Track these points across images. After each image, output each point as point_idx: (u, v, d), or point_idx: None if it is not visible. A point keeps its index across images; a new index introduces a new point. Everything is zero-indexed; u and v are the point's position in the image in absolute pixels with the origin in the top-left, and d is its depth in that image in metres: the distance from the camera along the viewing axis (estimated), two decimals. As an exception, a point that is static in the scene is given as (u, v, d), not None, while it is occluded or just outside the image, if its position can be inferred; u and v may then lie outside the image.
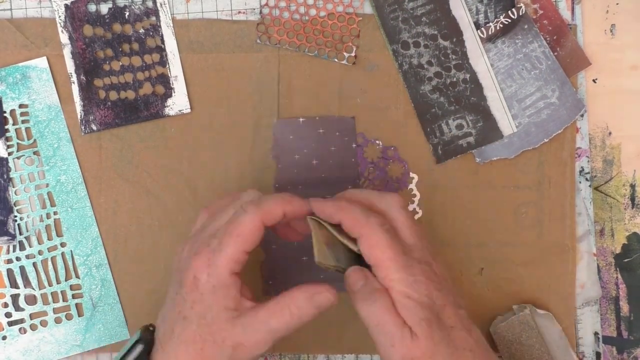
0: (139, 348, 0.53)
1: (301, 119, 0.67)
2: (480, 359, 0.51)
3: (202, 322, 0.51)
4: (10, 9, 0.67)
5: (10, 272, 0.67)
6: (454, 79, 0.67)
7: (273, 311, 0.52)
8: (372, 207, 0.55)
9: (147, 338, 0.54)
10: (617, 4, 0.68)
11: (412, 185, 0.68)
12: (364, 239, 0.52)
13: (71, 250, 0.67)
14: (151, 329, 0.55)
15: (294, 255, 0.67)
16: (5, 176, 0.66)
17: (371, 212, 0.54)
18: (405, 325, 0.50)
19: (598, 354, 0.68)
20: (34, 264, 0.67)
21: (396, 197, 0.56)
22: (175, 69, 0.67)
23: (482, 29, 0.67)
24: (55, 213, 0.67)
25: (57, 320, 0.67)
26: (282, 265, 0.67)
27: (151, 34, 0.67)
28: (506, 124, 0.67)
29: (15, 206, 0.66)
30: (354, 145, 0.67)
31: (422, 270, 0.52)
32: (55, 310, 0.67)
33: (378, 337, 0.51)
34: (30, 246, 0.67)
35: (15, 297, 0.67)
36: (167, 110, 0.67)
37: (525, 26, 0.67)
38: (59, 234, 0.67)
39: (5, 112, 0.66)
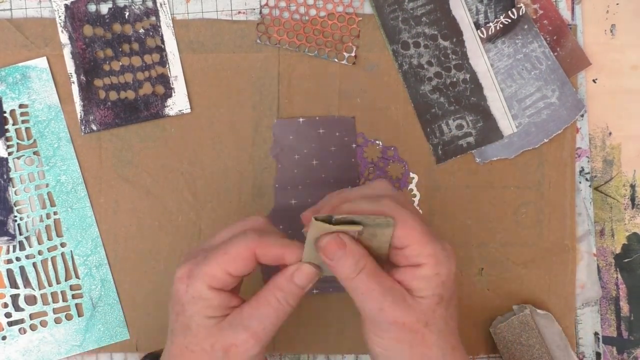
0: None
1: (301, 119, 0.67)
2: (460, 356, 0.51)
3: (188, 333, 0.49)
4: (10, 9, 0.67)
5: (10, 272, 0.66)
6: (454, 79, 0.67)
7: (258, 303, 0.50)
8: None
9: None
10: (617, 4, 0.68)
11: (412, 185, 0.68)
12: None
13: (71, 251, 0.67)
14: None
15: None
16: (5, 176, 0.66)
17: (382, 195, 0.51)
18: (393, 288, 0.49)
19: (598, 354, 0.68)
20: (34, 264, 0.67)
21: (384, 181, 0.54)
22: (175, 69, 0.67)
23: (482, 29, 0.67)
24: (55, 213, 0.67)
25: (57, 321, 0.67)
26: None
27: (151, 34, 0.67)
28: (506, 124, 0.67)
29: (15, 206, 0.66)
30: (354, 146, 0.67)
31: (449, 248, 0.50)
32: (55, 311, 0.67)
33: (364, 304, 0.49)
34: (30, 246, 0.66)
35: (15, 297, 0.67)
36: (167, 110, 0.67)
37: (525, 26, 0.67)
38: (58, 234, 0.67)
39: (5, 112, 0.66)
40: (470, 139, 0.67)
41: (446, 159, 0.67)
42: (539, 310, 0.66)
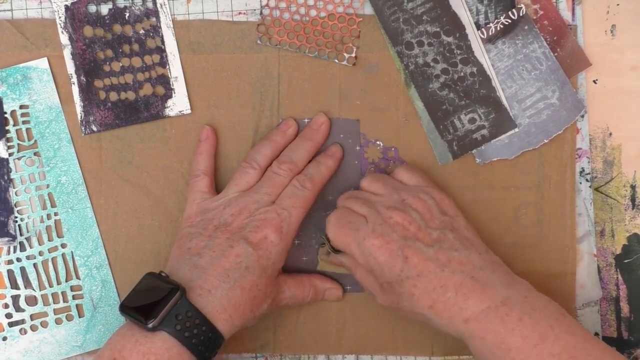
0: (179, 294, 0.56)
1: (306, 120, 0.67)
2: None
3: (263, 275, 0.60)
4: (11, 10, 0.67)
5: (10, 273, 0.67)
6: (461, 74, 0.67)
7: (298, 283, 0.65)
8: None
9: (175, 283, 0.57)
10: (618, 4, 0.67)
11: (413, 186, 0.68)
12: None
13: (72, 251, 0.67)
14: (163, 274, 0.58)
15: (294, 255, 0.67)
16: (5, 177, 0.66)
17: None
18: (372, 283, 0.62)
19: (598, 355, 0.68)
20: (35, 265, 0.67)
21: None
22: (175, 69, 0.67)
23: (483, 29, 0.67)
24: (55, 214, 0.67)
25: (58, 321, 0.67)
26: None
27: (151, 34, 0.67)
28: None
29: (16, 207, 0.66)
30: (357, 148, 0.67)
31: (365, 243, 0.60)
32: (55, 311, 0.67)
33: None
34: (30, 247, 0.67)
35: (15, 298, 0.67)
36: (167, 111, 0.67)
37: (526, 27, 0.67)
38: (59, 235, 0.67)
39: (6, 113, 0.66)
40: (484, 132, 0.67)
41: (462, 154, 0.67)
42: (539, 311, 0.66)
